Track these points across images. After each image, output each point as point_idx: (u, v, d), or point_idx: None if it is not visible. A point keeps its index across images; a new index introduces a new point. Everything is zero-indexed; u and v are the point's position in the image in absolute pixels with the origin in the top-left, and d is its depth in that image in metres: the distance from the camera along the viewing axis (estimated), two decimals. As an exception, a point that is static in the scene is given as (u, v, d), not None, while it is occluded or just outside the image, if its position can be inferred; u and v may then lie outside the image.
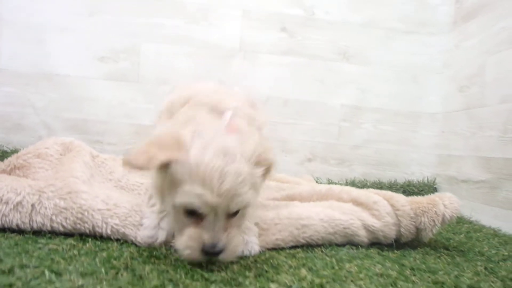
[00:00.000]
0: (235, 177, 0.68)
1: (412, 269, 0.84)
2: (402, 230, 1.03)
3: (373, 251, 0.96)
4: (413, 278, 0.78)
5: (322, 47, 2.10)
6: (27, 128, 1.89)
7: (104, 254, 0.73)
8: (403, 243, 1.06)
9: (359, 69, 2.11)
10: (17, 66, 1.89)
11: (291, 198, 1.21)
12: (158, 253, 0.78)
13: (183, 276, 0.65)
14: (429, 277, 0.80)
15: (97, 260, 0.69)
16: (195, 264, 0.72)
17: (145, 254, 0.76)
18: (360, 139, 2.13)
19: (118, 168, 1.22)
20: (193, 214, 0.70)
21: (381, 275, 0.78)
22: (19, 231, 0.82)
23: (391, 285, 0.73)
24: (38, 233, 0.82)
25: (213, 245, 0.69)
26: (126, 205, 0.88)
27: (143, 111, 1.97)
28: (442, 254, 1.01)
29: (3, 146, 1.79)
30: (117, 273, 0.64)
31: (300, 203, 1.11)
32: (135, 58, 1.97)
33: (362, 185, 2.00)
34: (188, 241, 0.70)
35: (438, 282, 0.77)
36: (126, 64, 1.96)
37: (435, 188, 2.04)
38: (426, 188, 2.01)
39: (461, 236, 1.28)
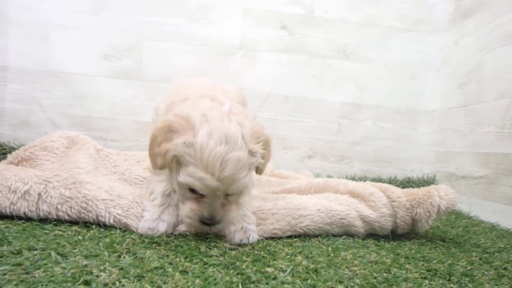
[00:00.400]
0: (236, 164, 0.76)
1: (406, 257, 0.86)
2: (398, 221, 1.06)
3: (369, 242, 0.99)
4: (407, 266, 0.81)
5: (322, 45, 2.13)
6: (33, 125, 1.93)
7: (107, 239, 0.76)
8: (399, 235, 1.08)
9: (358, 66, 2.14)
10: (24, 64, 1.93)
11: (289, 191, 1.23)
12: (159, 239, 0.81)
13: (182, 260, 0.67)
14: (423, 265, 0.82)
15: (100, 244, 0.72)
16: (194, 249, 0.75)
17: (146, 240, 0.79)
18: (359, 136, 2.15)
19: (121, 162, 1.25)
20: (195, 191, 0.79)
21: (376, 262, 0.80)
22: (27, 218, 0.85)
23: (385, 272, 0.75)
24: (44, 220, 0.85)
25: (210, 218, 0.79)
26: (128, 196, 0.91)
27: (145, 108, 2.00)
28: (438, 245, 1.03)
29: (10, 142, 1.83)
30: (119, 256, 0.67)
31: (298, 196, 1.14)
32: (138, 55, 2.00)
33: (362, 181, 2.02)
34: (189, 212, 0.80)
35: (431, 269, 0.79)
36: (129, 62, 2.00)
37: (435, 184, 2.04)
38: (426, 184, 1.99)
39: (459, 229, 1.30)
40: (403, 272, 0.76)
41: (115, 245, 0.73)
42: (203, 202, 0.79)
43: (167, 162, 0.77)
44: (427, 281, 0.73)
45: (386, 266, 0.78)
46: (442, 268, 0.81)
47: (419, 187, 2.00)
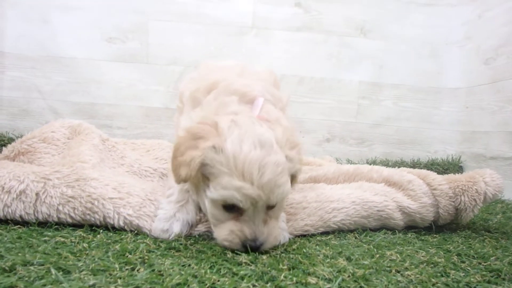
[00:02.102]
0: (275, 168, 0.66)
1: (459, 255, 0.75)
2: (440, 211, 0.94)
3: (411, 236, 0.88)
4: (463, 265, 0.70)
5: (338, 22, 1.97)
6: (33, 113, 1.83)
7: (118, 246, 0.65)
8: (440, 226, 0.97)
9: (376, 44, 1.98)
10: (22, 49, 1.80)
11: (314, 180, 1.12)
12: (178, 244, 0.70)
13: (208, 271, 0.57)
14: (480, 263, 0.71)
15: (109, 254, 0.61)
16: (219, 255, 0.64)
17: (163, 245, 0.69)
18: (380, 117, 2.02)
19: (129, 152, 1.14)
20: (232, 208, 0.68)
21: (427, 262, 0.69)
22: (23, 222, 0.75)
23: (442, 275, 0.64)
24: (43, 224, 0.75)
25: (254, 239, 0.67)
26: (140, 193, 0.80)
27: (152, 92, 1.88)
28: (486, 236, 0.91)
29: (9, 133, 1.72)
30: (133, 269, 0.56)
31: (327, 185, 1.02)
32: (144, 37, 1.87)
33: (384, 165, 1.90)
34: (228, 236, 0.68)
35: (492, 270, 0.68)
36: (135, 44, 1.87)
37: (461, 166, 1.93)
38: (451, 166, 1.91)
39: (499, 216, 1.18)
40: (462, 274, 0.65)
41: (127, 254, 0.62)
42: (242, 221, 0.68)
43: (193, 172, 0.66)
44: (493, 286, 0.62)
45: (441, 267, 0.67)
46: (504, 268, 0.69)
47: (444, 169, 1.92)
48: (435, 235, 0.90)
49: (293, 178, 0.75)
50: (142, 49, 1.87)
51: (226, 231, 0.68)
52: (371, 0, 1.97)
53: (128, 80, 1.87)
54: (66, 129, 1.05)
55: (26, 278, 0.50)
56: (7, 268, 0.53)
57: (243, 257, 0.64)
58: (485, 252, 0.78)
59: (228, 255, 0.65)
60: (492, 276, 0.66)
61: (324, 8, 1.96)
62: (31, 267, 0.54)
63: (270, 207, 0.69)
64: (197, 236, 0.76)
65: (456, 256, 0.75)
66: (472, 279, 0.63)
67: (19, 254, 0.59)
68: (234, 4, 1.91)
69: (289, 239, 0.78)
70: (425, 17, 1.99)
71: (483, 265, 0.71)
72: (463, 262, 0.72)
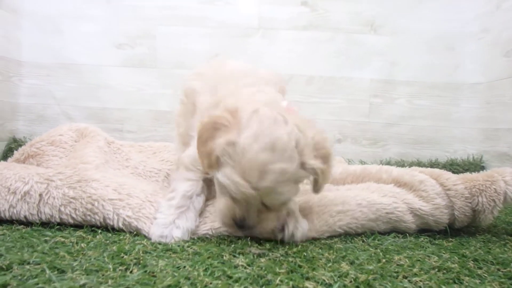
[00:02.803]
0: (278, 176, 0.65)
1: (475, 260, 0.70)
2: (456, 213, 0.89)
3: (424, 240, 0.83)
4: (479, 271, 0.65)
5: (347, 19, 1.93)
6: (49, 119, 1.88)
7: (114, 247, 0.64)
8: (457, 229, 0.91)
9: (387, 40, 1.93)
10: (38, 58, 1.87)
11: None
12: (175, 245, 0.69)
13: (201, 273, 0.55)
14: (498, 270, 0.66)
15: (105, 255, 0.61)
16: (216, 257, 0.63)
17: (160, 247, 0.68)
18: (394, 116, 1.95)
19: (134, 154, 1.15)
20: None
21: (439, 268, 0.65)
22: (27, 223, 0.76)
23: (455, 282, 0.60)
24: (46, 225, 0.76)
25: (241, 220, 0.70)
26: (140, 195, 0.79)
27: (160, 96, 1.90)
28: (508, 241, 0.86)
29: (26, 138, 1.77)
30: (126, 270, 0.56)
31: (333, 186, 0.99)
32: (151, 42, 1.89)
33: (399, 166, 1.83)
34: (224, 209, 0.72)
35: None
36: (143, 49, 1.89)
37: (483, 166, 1.84)
38: (472, 166, 1.82)
39: (523, 219, 1.11)
40: (477, 281, 0.61)
41: (122, 254, 0.61)
42: (239, 203, 0.70)
43: (213, 163, 0.68)
44: (511, 294, 0.57)
45: (454, 273, 0.63)
46: (524, 274, 0.64)
47: (464, 169, 1.83)
48: (450, 239, 0.85)
49: (315, 185, 0.72)
50: (150, 54, 1.90)
51: (223, 205, 0.71)
52: (380, -6, 1.92)
53: (137, 85, 1.90)
54: (73, 132, 1.07)
55: (20, 277, 0.50)
56: (4, 267, 0.54)
57: (240, 260, 0.62)
58: (505, 257, 0.73)
59: (225, 257, 0.63)
60: (511, 284, 0.61)
61: (331, 6, 1.92)
62: (27, 266, 0.54)
63: (264, 205, 0.69)
64: (195, 238, 0.75)
65: (472, 262, 0.70)
66: (488, 287, 0.59)
67: (18, 253, 0.59)
68: (238, 6, 1.91)
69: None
70: (438, 10, 1.91)
71: (502, 271, 0.66)
72: (480, 268, 0.67)
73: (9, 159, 1.02)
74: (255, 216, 0.70)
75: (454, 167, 1.84)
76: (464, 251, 0.75)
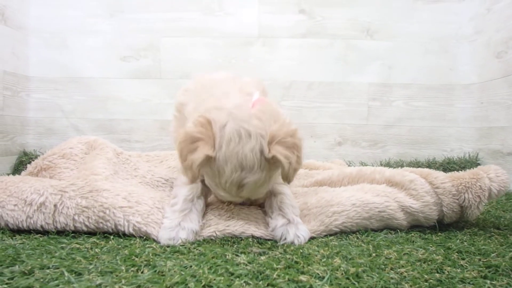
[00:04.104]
0: (253, 186, 0.78)
1: (459, 252, 0.76)
2: (444, 209, 0.94)
3: (414, 235, 0.88)
4: (462, 262, 0.70)
5: (344, 25, 1.99)
6: (58, 132, 1.95)
7: (126, 251, 0.70)
8: (447, 225, 0.97)
9: (384, 44, 1.99)
10: (45, 72, 1.96)
11: (320, 183, 1.14)
12: (182, 247, 0.75)
13: (206, 271, 0.61)
14: (480, 260, 0.71)
15: (118, 258, 0.66)
16: (220, 257, 0.68)
17: (168, 249, 0.73)
18: (392, 117, 2.01)
19: (142, 164, 1.21)
20: None
21: (425, 260, 0.70)
22: (44, 232, 0.82)
23: (437, 271, 0.65)
24: (61, 233, 0.82)
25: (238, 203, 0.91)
26: (148, 202, 0.85)
27: (166, 106, 1.96)
28: (493, 234, 0.91)
29: (36, 151, 1.84)
30: (137, 270, 0.61)
31: (330, 188, 1.04)
32: (156, 54, 1.97)
33: (398, 165, 1.90)
34: (220, 196, 0.86)
35: (491, 265, 0.68)
36: (148, 61, 1.97)
37: (478, 164, 1.89)
38: (468, 164, 1.87)
39: (513, 213, 1.16)
40: (458, 271, 0.66)
41: (133, 257, 0.67)
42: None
43: (196, 174, 0.76)
44: (488, 281, 0.62)
45: (437, 264, 0.68)
46: (503, 263, 0.69)
47: (461, 167, 1.89)
48: (439, 234, 0.91)
49: (285, 176, 0.78)
50: (154, 66, 1.97)
51: (220, 194, 0.84)
52: (375, 0, 1.98)
53: (143, 96, 1.97)
54: (83, 145, 1.13)
55: (42, 280, 0.56)
56: (26, 272, 0.60)
57: (242, 258, 0.68)
58: (487, 249, 0.78)
59: (227, 257, 0.69)
60: (489, 272, 0.66)
61: (328, 13, 1.99)
62: (47, 270, 0.60)
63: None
64: (201, 240, 0.81)
65: (456, 253, 0.75)
66: (467, 275, 0.64)
67: (38, 259, 0.65)
68: (239, 16, 1.98)
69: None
70: (432, 14, 1.97)
71: (482, 261, 0.71)
72: (463, 259, 0.72)
73: (23, 172, 1.08)
74: (248, 199, 0.87)
75: (451, 165, 1.89)
76: (450, 244, 0.80)
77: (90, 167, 0.96)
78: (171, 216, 0.81)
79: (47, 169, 1.05)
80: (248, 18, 1.98)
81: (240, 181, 0.76)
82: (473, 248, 0.78)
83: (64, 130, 1.95)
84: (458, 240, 0.84)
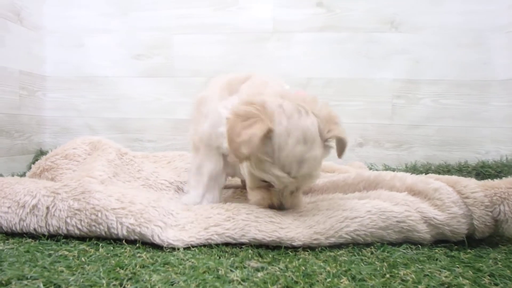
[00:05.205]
0: (312, 162, 0.76)
1: (491, 275, 0.65)
2: (475, 222, 0.83)
3: (438, 252, 0.78)
4: (494, 288, 0.60)
5: (365, 17, 1.86)
6: (73, 131, 1.96)
7: (114, 261, 0.65)
8: (478, 240, 0.85)
9: (410, 37, 1.84)
10: (60, 72, 1.96)
11: (334, 185, 1.05)
12: (174, 258, 0.68)
13: (191, 290, 0.54)
14: (516, 286, 0.61)
15: (102, 269, 0.61)
16: (212, 272, 0.62)
17: (159, 260, 0.67)
18: (419, 116, 1.86)
19: (147, 165, 1.17)
20: (266, 181, 0.80)
21: (449, 285, 0.60)
22: (37, 235, 0.78)
23: (463, 300, 0.56)
24: (54, 237, 0.78)
25: (279, 207, 0.83)
26: (143, 201, 0.80)
27: (178, 105, 1.93)
28: (534, 252, 0.79)
29: (51, 150, 1.85)
30: (120, 285, 0.56)
31: (343, 195, 0.96)
32: (168, 52, 1.93)
33: (426, 169, 1.76)
34: (260, 200, 0.83)
35: (530, 293, 0.58)
36: (160, 59, 1.93)
37: (518, 168, 1.71)
38: (505, 168, 1.70)
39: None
40: (490, 299, 0.56)
41: (118, 269, 0.62)
42: (273, 191, 0.82)
43: (254, 149, 0.72)
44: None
45: (464, 291, 0.58)
46: (547, 291, 0.58)
47: (497, 172, 1.72)
48: (469, 251, 0.79)
49: (341, 153, 0.85)
50: (167, 63, 1.93)
51: (258, 196, 0.83)
52: (399, -12, 1.84)
53: (155, 94, 1.94)
54: (87, 145, 1.10)
55: (14, 293, 0.51)
56: (3, 282, 0.55)
57: (235, 274, 0.60)
58: (526, 271, 0.67)
59: (220, 272, 0.62)
60: (529, 302, 0.56)
61: (348, 4, 1.87)
62: (25, 281, 0.56)
63: (299, 187, 0.83)
64: (196, 250, 0.74)
65: (488, 277, 0.64)
66: (500, 306, 0.54)
67: (19, 268, 0.61)
68: (253, 11, 1.90)
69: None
70: (464, 2, 1.81)
71: (519, 287, 0.60)
72: (496, 284, 0.62)
73: (27, 173, 1.06)
74: (289, 199, 0.82)
75: (486, 169, 1.72)
76: (480, 264, 0.69)
77: (88, 168, 0.92)
78: (196, 186, 0.92)
79: (49, 170, 1.03)
80: (262, 12, 1.90)
81: (301, 156, 0.74)
82: (508, 271, 0.67)
83: (79, 129, 1.95)
84: (490, 260, 0.73)
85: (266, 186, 0.81)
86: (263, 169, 0.76)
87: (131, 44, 1.94)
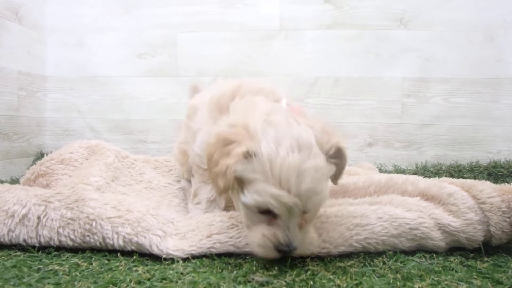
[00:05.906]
0: (314, 174, 0.62)
1: (514, 289, 0.60)
2: (492, 229, 0.77)
3: (454, 261, 0.72)
4: (518, 304, 0.55)
5: (374, 14, 1.81)
6: (74, 132, 1.92)
7: (107, 276, 0.61)
8: (496, 247, 0.79)
9: (419, 34, 1.79)
10: (62, 72, 1.93)
11: (343, 188, 1.00)
12: (173, 272, 0.64)
13: (188, 310, 0.50)
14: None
15: (93, 287, 0.57)
16: (214, 287, 0.57)
17: (157, 274, 0.63)
18: (429, 116, 1.80)
19: (148, 171, 1.13)
20: (266, 211, 0.64)
21: (469, 301, 0.55)
22: (27, 247, 0.74)
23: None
24: (45, 248, 0.74)
25: (287, 244, 0.64)
26: (141, 209, 0.76)
27: (183, 105, 1.86)
28: (558, 262, 0.73)
29: (52, 152, 1.82)
30: (110, 305, 0.52)
31: (353, 200, 0.90)
32: (172, 50, 1.89)
33: (436, 169, 1.70)
34: (262, 240, 0.65)
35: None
36: (164, 58, 1.89)
37: (533, 168, 1.65)
38: (519, 169, 1.64)
39: None
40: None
41: (111, 286, 0.57)
42: (276, 225, 0.65)
43: (231, 182, 0.63)
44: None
45: (486, 307, 0.53)
46: None
47: (509, 172, 1.65)
48: (486, 259, 0.74)
49: (334, 176, 0.71)
50: (171, 62, 1.89)
51: (259, 235, 0.65)
52: (409, -16, 1.78)
53: (159, 94, 1.90)
54: (84, 150, 1.06)
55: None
56: (-14, 302, 0.52)
57: (237, 290, 0.56)
58: (552, 284, 0.62)
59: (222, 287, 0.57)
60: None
61: (356, 1, 1.81)
62: (8, 301, 0.52)
63: (306, 212, 0.66)
64: (197, 263, 0.70)
65: (509, 290, 0.59)
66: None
67: (4, 286, 0.57)
68: (259, 8, 1.85)
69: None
70: (475, -3, 1.75)
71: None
72: (520, 299, 0.57)
73: (21, 179, 1.03)
74: (299, 233, 0.65)
75: (498, 169, 1.66)
76: (500, 275, 0.64)
77: (84, 174, 0.88)
78: (195, 211, 0.88)
79: (44, 176, 0.99)
80: (269, 9, 1.85)
81: (299, 166, 0.61)
82: (532, 283, 0.61)
83: (80, 131, 1.92)
84: (510, 271, 0.67)
85: (267, 220, 0.65)
86: (257, 191, 0.62)
87: (134, 42, 1.90)
